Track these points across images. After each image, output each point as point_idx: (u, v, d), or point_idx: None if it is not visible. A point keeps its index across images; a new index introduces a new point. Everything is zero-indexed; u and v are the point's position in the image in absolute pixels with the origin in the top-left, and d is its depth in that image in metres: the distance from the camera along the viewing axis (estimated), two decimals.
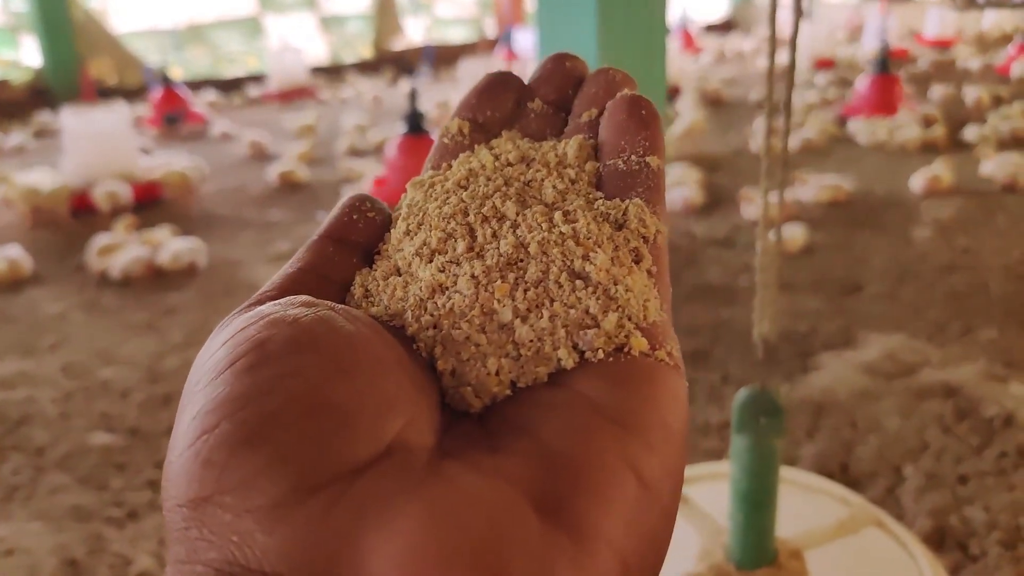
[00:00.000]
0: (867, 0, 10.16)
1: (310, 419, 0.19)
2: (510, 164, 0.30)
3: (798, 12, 0.67)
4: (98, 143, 3.51)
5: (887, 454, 1.48)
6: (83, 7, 7.28)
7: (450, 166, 0.30)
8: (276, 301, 0.23)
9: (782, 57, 1.17)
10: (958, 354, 1.84)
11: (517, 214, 0.27)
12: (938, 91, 5.07)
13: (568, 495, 0.20)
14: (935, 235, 2.67)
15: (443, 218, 0.27)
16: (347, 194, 0.30)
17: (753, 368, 1.82)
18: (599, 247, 0.25)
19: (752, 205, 2.84)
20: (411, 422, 0.21)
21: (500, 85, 0.33)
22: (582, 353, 0.24)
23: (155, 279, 2.62)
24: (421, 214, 0.28)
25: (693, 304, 2.19)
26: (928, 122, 4.18)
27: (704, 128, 4.27)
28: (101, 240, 2.74)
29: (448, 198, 0.28)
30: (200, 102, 6.38)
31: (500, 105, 0.32)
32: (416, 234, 0.27)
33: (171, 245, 2.71)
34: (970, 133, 3.86)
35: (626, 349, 0.23)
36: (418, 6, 9.87)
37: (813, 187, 3.07)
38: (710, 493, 1.03)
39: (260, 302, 0.24)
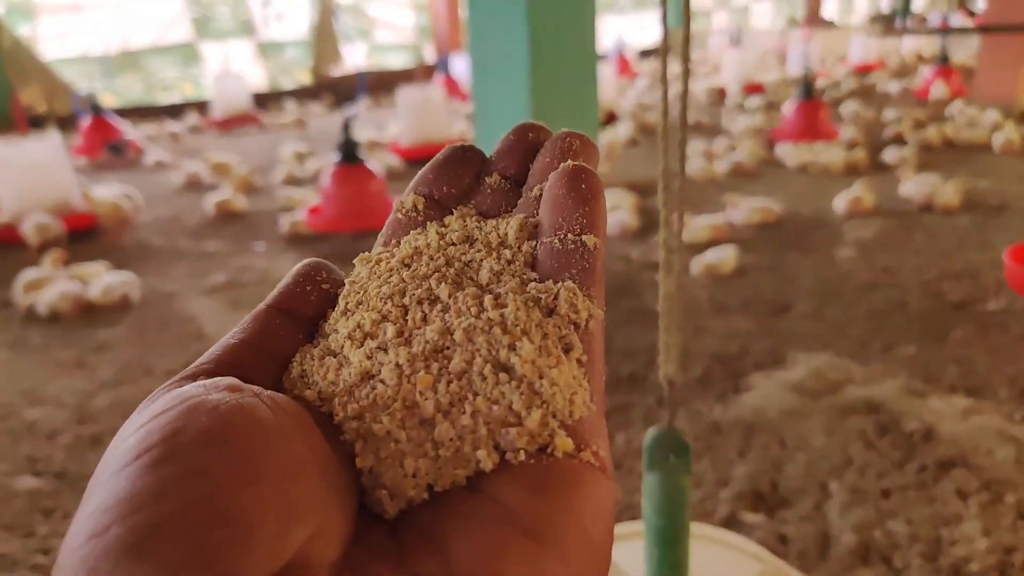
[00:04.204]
0: (791, 27, 10.54)
1: (205, 529, 0.18)
2: (454, 244, 0.28)
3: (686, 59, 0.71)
4: (30, 174, 3.41)
5: (814, 471, 1.53)
6: (11, 34, 7.08)
7: (398, 243, 0.29)
8: (203, 382, 0.22)
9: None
10: (880, 371, 1.91)
11: (450, 296, 0.25)
12: (859, 115, 5.28)
13: None
14: (857, 255, 2.77)
15: (381, 299, 0.26)
16: (296, 263, 0.29)
17: (683, 391, 1.87)
18: (526, 335, 0.24)
19: (686, 229, 2.92)
20: (318, 533, 0.19)
21: (458, 160, 0.31)
22: (503, 453, 0.22)
23: (85, 315, 2.55)
24: (361, 292, 0.27)
25: (629, 327, 2.23)
26: (851, 145, 4.35)
27: (619, 150, 4.36)
28: (28, 275, 2.66)
29: (390, 277, 0.27)
30: (133, 130, 6.26)
31: (456, 181, 0.31)
32: (353, 314, 0.26)
33: (102, 279, 2.65)
34: (890, 155, 4.03)
35: (550, 449, 0.22)
36: (357, 32, 9.87)
37: (744, 209, 3.17)
38: (628, 552, 1.02)
39: (194, 376, 0.23)
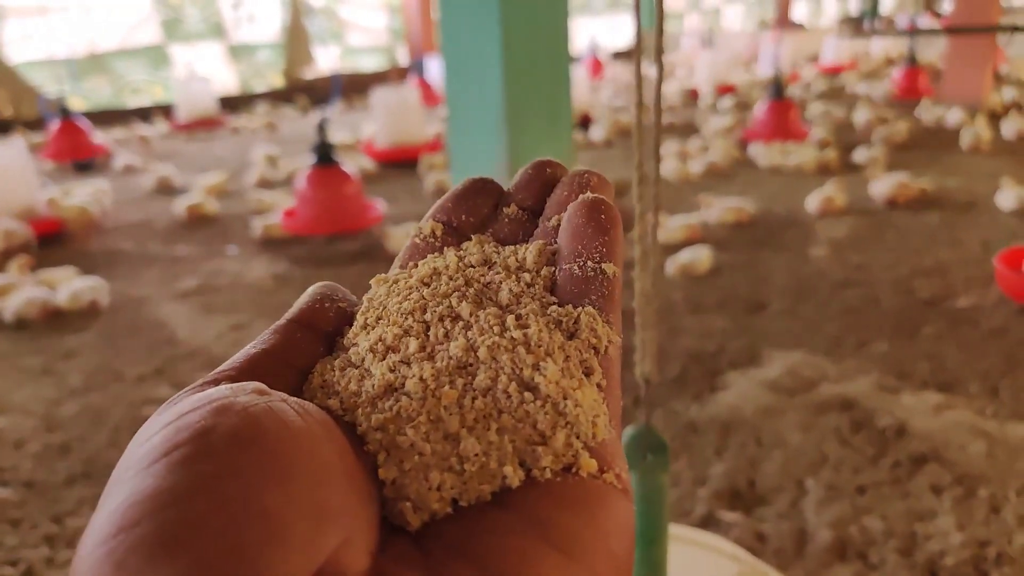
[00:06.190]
0: (761, 29, 10.64)
1: (239, 527, 0.17)
2: (472, 266, 0.29)
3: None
4: None
5: (790, 468, 1.54)
6: None
7: (416, 265, 0.30)
8: (229, 385, 0.22)
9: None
10: (853, 368, 1.93)
11: (471, 315, 0.26)
12: (830, 115, 5.34)
13: None
14: (830, 253, 2.80)
15: (401, 314, 0.27)
16: (313, 285, 0.30)
17: (660, 390, 1.87)
18: (550, 356, 0.25)
19: (661, 229, 2.92)
20: (348, 540, 0.19)
21: (478, 190, 0.32)
22: (528, 471, 0.23)
23: (52, 321, 2.50)
24: (381, 308, 0.28)
25: None
26: (822, 145, 4.40)
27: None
28: None
29: (410, 294, 0.28)
30: (102, 133, 6.17)
31: (475, 210, 0.32)
32: (373, 328, 0.27)
33: (70, 285, 2.60)
34: (860, 155, 4.08)
35: (574, 469, 0.23)
36: (330, 34, 9.81)
37: (718, 209, 3.18)
38: None
39: (216, 382, 0.23)
